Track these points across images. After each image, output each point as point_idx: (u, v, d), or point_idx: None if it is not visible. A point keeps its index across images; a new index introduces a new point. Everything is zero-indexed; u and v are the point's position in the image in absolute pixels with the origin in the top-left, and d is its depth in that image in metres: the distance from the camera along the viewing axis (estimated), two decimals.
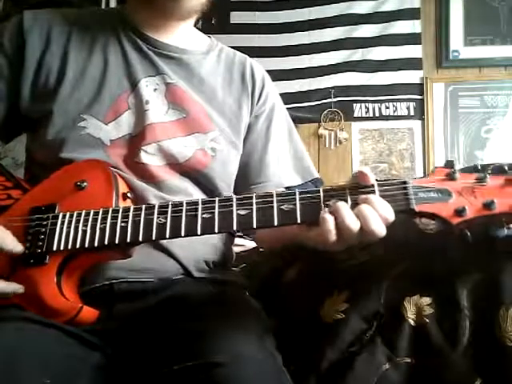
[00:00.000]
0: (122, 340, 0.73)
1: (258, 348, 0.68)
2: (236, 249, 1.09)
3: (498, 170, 0.63)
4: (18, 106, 0.85)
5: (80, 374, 0.65)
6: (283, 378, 0.67)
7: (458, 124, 2.85)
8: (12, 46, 0.85)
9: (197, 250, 0.84)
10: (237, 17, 3.12)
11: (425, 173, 2.83)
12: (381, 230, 0.61)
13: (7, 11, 2.91)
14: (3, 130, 0.90)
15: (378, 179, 0.65)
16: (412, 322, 0.73)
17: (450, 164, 0.65)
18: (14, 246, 0.70)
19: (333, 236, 0.62)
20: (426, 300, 0.74)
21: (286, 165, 0.98)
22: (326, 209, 0.63)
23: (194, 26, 0.99)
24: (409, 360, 0.73)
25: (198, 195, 0.88)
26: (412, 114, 2.89)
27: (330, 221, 0.62)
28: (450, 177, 0.63)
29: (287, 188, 0.98)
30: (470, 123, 2.83)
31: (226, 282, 0.88)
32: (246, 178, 0.95)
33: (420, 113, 2.88)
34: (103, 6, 3.01)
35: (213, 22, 3.09)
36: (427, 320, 0.72)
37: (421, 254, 0.78)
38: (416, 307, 0.74)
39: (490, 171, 0.62)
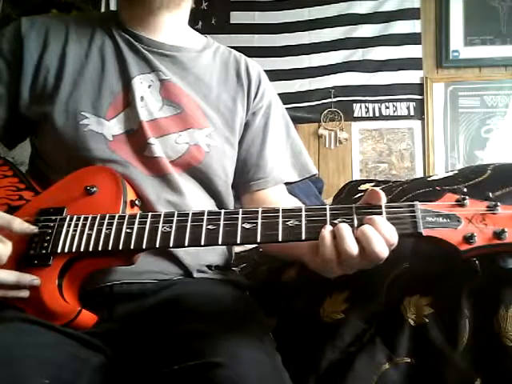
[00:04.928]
0: (122, 341, 0.73)
1: (258, 348, 0.68)
2: (236, 249, 1.09)
3: (510, 198, 0.62)
4: (18, 110, 0.86)
5: (80, 375, 0.65)
6: (283, 378, 0.67)
7: (458, 124, 2.85)
8: (10, 49, 0.86)
9: (201, 255, 0.85)
10: (237, 17, 3.12)
11: (425, 173, 2.83)
12: (383, 252, 0.61)
13: (6, 13, 2.92)
14: (6, 135, 0.91)
15: (387, 199, 0.65)
16: (412, 322, 0.73)
17: (460, 190, 0.64)
18: (23, 227, 0.70)
19: (331, 254, 0.62)
20: (426, 300, 0.74)
21: (283, 161, 0.99)
22: (327, 226, 0.63)
23: (194, 26, 0.99)
24: (409, 360, 0.73)
25: (199, 193, 0.88)
26: (412, 114, 2.90)
27: (327, 238, 0.62)
28: (460, 203, 0.62)
29: (286, 184, 0.99)
30: (470, 123, 2.84)
31: (226, 281, 0.88)
32: (244, 174, 0.96)
33: (420, 113, 2.88)
34: (103, 8, 3.02)
35: (213, 22, 3.09)
36: (427, 320, 0.72)
37: (421, 255, 0.78)
38: (416, 307, 0.74)
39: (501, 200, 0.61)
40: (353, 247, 0.61)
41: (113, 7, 3.01)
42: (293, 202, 0.96)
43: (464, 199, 0.62)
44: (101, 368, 0.69)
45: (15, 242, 0.70)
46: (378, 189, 0.64)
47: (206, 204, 0.89)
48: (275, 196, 0.96)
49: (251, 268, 1.15)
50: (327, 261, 0.63)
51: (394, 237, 0.61)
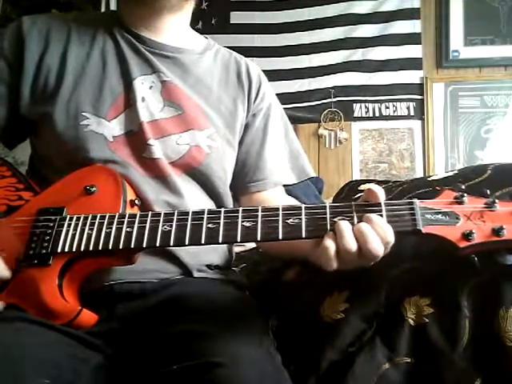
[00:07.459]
0: (122, 340, 0.73)
1: (258, 348, 0.68)
2: (236, 249, 1.09)
3: (509, 196, 0.62)
4: (19, 110, 0.85)
5: (80, 375, 0.65)
6: (283, 378, 0.67)
7: (458, 124, 2.85)
8: (11, 49, 0.85)
9: (201, 254, 0.85)
10: (237, 17, 3.12)
11: (425, 173, 2.83)
12: (378, 250, 0.61)
13: (6, 14, 2.91)
14: (6, 135, 0.91)
15: (386, 199, 0.65)
16: (412, 322, 0.73)
17: (458, 188, 0.64)
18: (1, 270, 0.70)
19: (334, 262, 0.62)
20: (426, 300, 0.74)
21: (282, 163, 0.99)
22: (331, 233, 0.63)
23: (194, 26, 0.99)
24: (409, 360, 0.73)
25: (198, 194, 0.88)
26: (412, 114, 2.90)
27: (331, 248, 0.62)
28: (458, 200, 0.62)
29: (284, 186, 0.99)
30: (470, 123, 2.84)
31: (226, 281, 0.88)
32: (243, 176, 0.96)
33: (420, 113, 2.88)
34: (103, 8, 3.02)
35: (213, 22, 3.09)
36: (427, 320, 0.72)
37: (421, 255, 0.78)
38: (416, 307, 0.74)
39: (499, 197, 0.61)
40: (352, 244, 0.61)
41: (113, 7, 3.01)
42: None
43: (462, 196, 0.63)
44: (101, 368, 0.69)
45: (15, 242, 0.70)
46: (375, 187, 0.65)
47: (205, 205, 0.89)
48: (274, 198, 0.95)
49: (251, 268, 1.15)
50: (327, 256, 0.63)
51: (389, 235, 0.61)
